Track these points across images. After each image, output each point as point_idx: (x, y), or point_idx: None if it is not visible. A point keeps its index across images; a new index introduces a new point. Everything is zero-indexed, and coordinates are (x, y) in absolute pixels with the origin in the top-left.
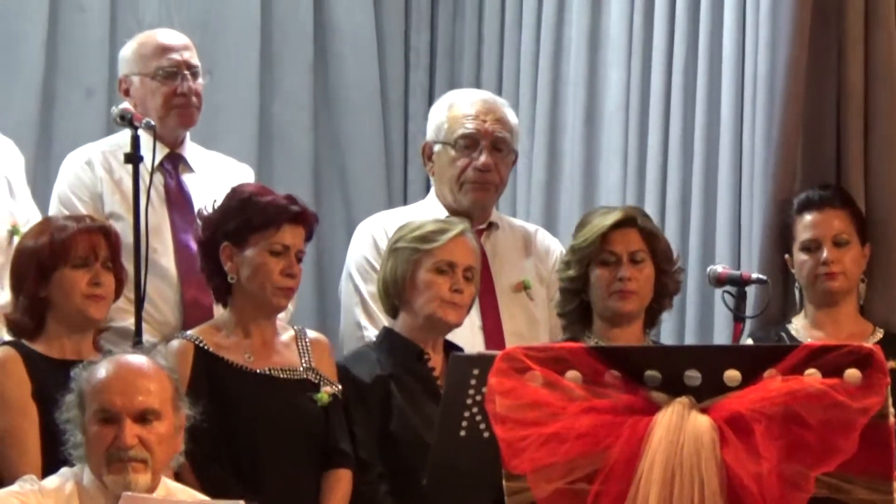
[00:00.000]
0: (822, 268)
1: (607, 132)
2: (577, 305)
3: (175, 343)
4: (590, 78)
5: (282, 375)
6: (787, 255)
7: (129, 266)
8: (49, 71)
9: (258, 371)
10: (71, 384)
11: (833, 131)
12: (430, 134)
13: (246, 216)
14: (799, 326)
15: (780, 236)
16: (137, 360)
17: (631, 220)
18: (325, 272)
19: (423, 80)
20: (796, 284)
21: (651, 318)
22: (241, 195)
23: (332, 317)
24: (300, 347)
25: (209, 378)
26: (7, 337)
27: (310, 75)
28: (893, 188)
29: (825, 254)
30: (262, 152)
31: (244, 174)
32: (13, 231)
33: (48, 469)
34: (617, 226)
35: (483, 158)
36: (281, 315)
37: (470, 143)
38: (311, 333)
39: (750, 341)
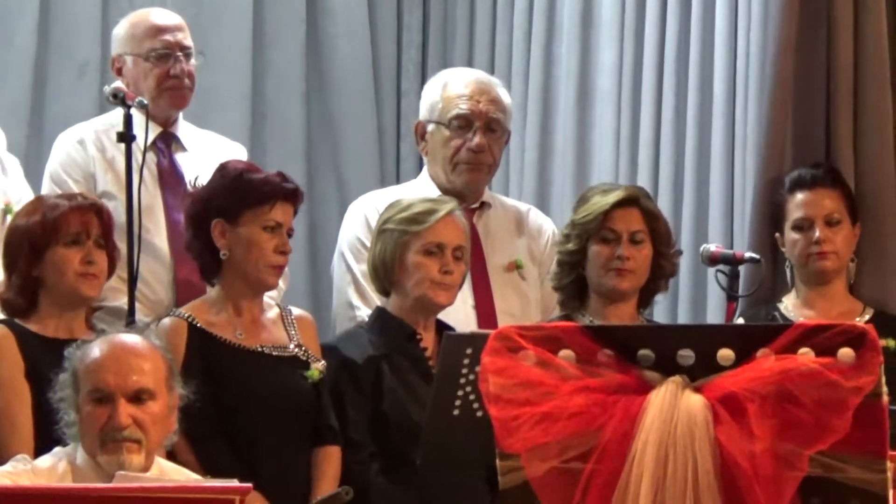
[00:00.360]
0: (815, 247)
1: (600, 111)
2: (573, 280)
3: (167, 321)
4: (582, 57)
5: (273, 353)
6: (777, 234)
7: (121, 245)
8: (41, 49)
9: (250, 348)
10: (65, 363)
11: (822, 110)
12: (423, 113)
13: (240, 193)
14: (789, 305)
15: (770, 215)
16: (131, 339)
17: (633, 200)
18: (318, 251)
19: (415, 58)
20: (787, 263)
21: (645, 299)
22: (233, 171)
23: (324, 296)
24: (287, 325)
25: (203, 355)
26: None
27: (302, 54)
28: (883, 167)
29: (817, 233)
30: (254, 132)
31: (237, 153)
32: (6, 210)
33: (41, 448)
34: (619, 204)
35: (477, 139)
36: (273, 293)
37: (464, 123)
38: (296, 310)
39: (741, 320)
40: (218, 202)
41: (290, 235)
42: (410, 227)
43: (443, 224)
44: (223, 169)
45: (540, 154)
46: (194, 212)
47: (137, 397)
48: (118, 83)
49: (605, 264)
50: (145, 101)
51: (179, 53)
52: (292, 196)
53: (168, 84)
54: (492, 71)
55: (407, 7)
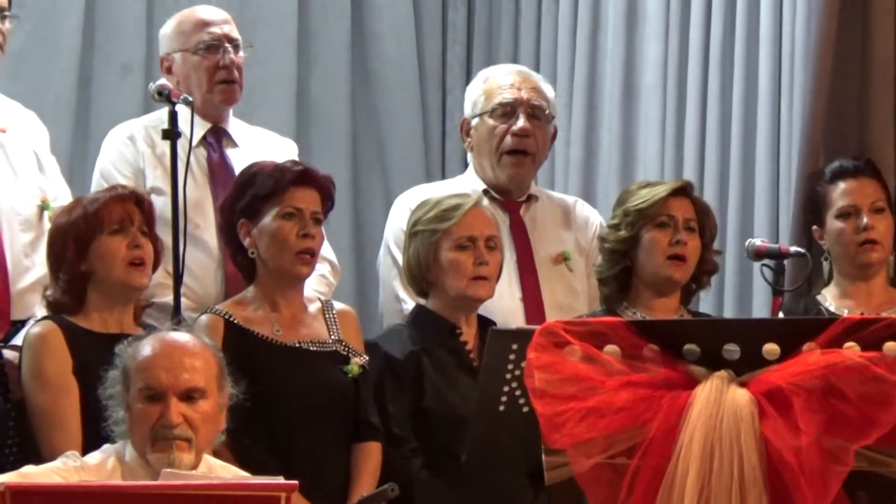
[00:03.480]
0: (862, 234)
1: (645, 107)
2: (619, 271)
3: (204, 318)
4: (627, 52)
5: (312, 348)
6: (814, 227)
7: (169, 241)
8: (86, 48)
9: (287, 344)
10: (115, 360)
11: (857, 105)
12: (467, 110)
13: (254, 187)
14: (828, 297)
15: (807, 208)
16: (183, 337)
17: (687, 190)
18: (363, 247)
19: (460, 54)
20: (825, 255)
21: (687, 295)
22: (249, 170)
23: (369, 292)
24: (327, 319)
25: (239, 352)
26: (39, 313)
27: (347, 50)
28: None
29: (865, 219)
30: (300, 127)
31: (288, 149)
32: (43, 206)
33: (90, 445)
34: (675, 192)
35: (521, 123)
36: (323, 289)
37: (508, 110)
38: (338, 305)
39: (780, 314)
40: (238, 204)
41: (318, 220)
42: (440, 224)
43: (471, 216)
44: (242, 172)
45: (585, 149)
46: (223, 222)
47: (189, 396)
48: (163, 80)
49: (663, 251)
50: (190, 98)
51: (228, 45)
52: (305, 179)
53: (219, 76)
54: (537, 67)
55: (452, 4)
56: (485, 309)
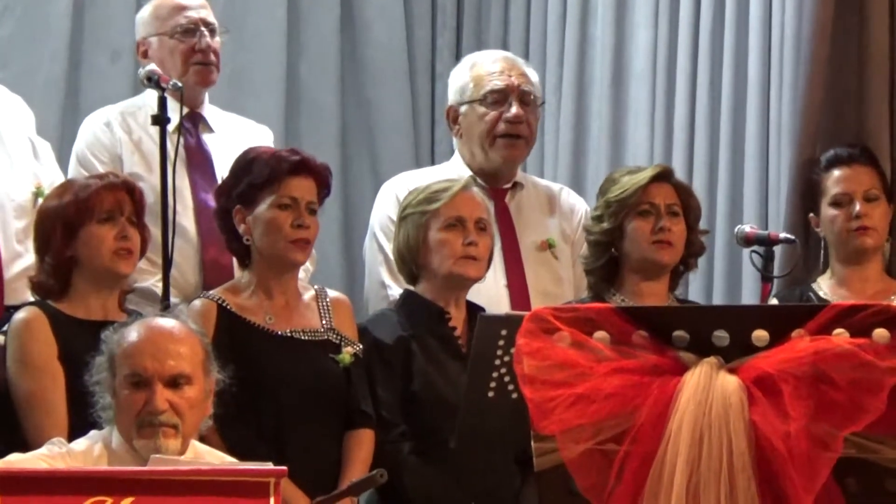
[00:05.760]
0: (855, 222)
1: (634, 93)
2: (605, 261)
3: (198, 303)
4: (617, 38)
5: (303, 337)
6: (811, 215)
7: (152, 227)
8: (76, 34)
9: (279, 332)
10: (101, 346)
11: (855, 93)
12: (453, 97)
13: (251, 175)
14: (824, 285)
15: (804, 196)
16: (169, 323)
17: (668, 175)
18: (353, 232)
19: (449, 40)
20: (822, 243)
21: (675, 279)
22: (246, 156)
23: (359, 277)
24: (320, 308)
25: (232, 338)
26: (31, 298)
27: (337, 36)
28: None
29: (858, 207)
30: (289, 114)
31: (263, 136)
32: (38, 193)
33: (75, 431)
34: (655, 179)
35: (514, 110)
36: (301, 275)
37: (499, 97)
38: (332, 293)
39: (774, 301)
40: (235, 190)
41: (313, 210)
42: (428, 206)
43: (460, 198)
44: (240, 156)
45: (575, 135)
46: (218, 206)
47: (174, 382)
48: (152, 66)
49: (647, 238)
50: (179, 84)
51: (204, 29)
52: (302, 168)
53: (194, 59)
54: (526, 52)
55: None
56: (469, 295)
